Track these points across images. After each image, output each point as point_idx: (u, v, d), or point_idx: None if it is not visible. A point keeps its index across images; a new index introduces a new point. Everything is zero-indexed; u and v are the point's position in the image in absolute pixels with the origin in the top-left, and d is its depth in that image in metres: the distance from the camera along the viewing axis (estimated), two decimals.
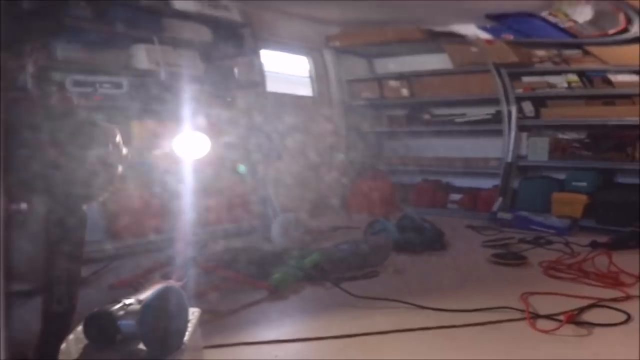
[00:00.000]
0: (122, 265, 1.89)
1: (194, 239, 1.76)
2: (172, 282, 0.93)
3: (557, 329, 1.40)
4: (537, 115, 3.26)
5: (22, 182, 0.84)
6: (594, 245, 2.38)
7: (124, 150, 0.96)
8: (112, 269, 1.93)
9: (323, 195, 3.32)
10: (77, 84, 1.87)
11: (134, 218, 1.85)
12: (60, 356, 0.82)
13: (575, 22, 2.79)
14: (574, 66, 3.09)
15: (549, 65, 3.18)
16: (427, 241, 2.45)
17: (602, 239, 2.45)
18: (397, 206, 3.43)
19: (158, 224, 1.90)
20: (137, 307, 0.89)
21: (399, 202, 3.54)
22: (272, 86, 3.23)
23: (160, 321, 0.86)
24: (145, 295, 0.91)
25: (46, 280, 0.85)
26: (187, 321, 0.95)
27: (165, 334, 0.87)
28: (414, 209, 3.20)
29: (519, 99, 3.26)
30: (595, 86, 3.04)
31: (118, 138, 0.95)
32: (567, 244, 2.48)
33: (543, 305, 1.56)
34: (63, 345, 0.84)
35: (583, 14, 2.72)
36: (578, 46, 3.04)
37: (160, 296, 0.88)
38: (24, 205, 0.86)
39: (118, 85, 1.98)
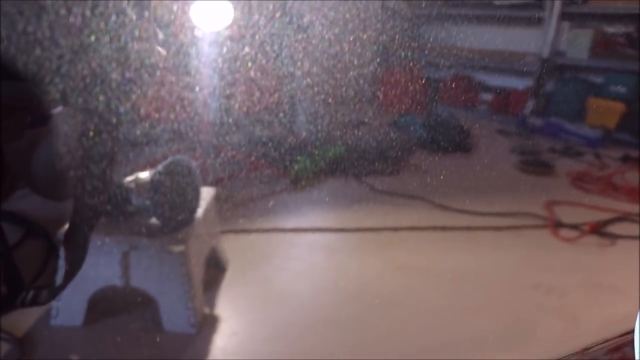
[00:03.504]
0: (144, 151, 1.88)
1: (216, 125, 1.72)
2: (184, 156, 0.91)
3: (580, 237, 1.38)
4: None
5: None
6: (625, 159, 2.30)
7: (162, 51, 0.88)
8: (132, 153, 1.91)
9: (352, 85, 3.20)
10: None
11: (155, 102, 1.80)
12: None
13: None
14: None
15: None
16: (453, 141, 2.39)
17: (635, 153, 2.37)
18: (426, 102, 3.31)
19: (179, 108, 1.85)
20: (148, 179, 0.87)
21: (427, 98, 3.42)
22: None
23: (168, 193, 0.84)
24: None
25: (78, 177, 0.83)
26: (198, 195, 0.93)
27: (174, 207, 0.86)
28: (443, 106, 3.08)
29: None
30: None
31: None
32: (597, 155, 2.40)
33: (567, 215, 1.53)
34: None
35: None
36: None
37: (169, 167, 0.85)
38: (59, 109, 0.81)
39: None
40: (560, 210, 1.58)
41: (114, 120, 0.85)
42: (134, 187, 0.90)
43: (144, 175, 0.92)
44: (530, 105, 3.23)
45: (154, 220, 0.90)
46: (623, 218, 1.54)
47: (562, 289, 1.14)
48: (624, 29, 2.85)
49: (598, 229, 1.43)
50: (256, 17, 1.98)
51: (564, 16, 2.98)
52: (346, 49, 2.95)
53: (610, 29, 2.87)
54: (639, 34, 2.76)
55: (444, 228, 1.41)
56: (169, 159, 0.90)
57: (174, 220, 0.89)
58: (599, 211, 1.58)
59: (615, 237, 1.41)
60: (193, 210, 0.94)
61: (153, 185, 0.87)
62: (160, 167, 0.88)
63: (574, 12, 2.93)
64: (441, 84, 3.62)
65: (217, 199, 1.10)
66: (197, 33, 1.52)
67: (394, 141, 2.08)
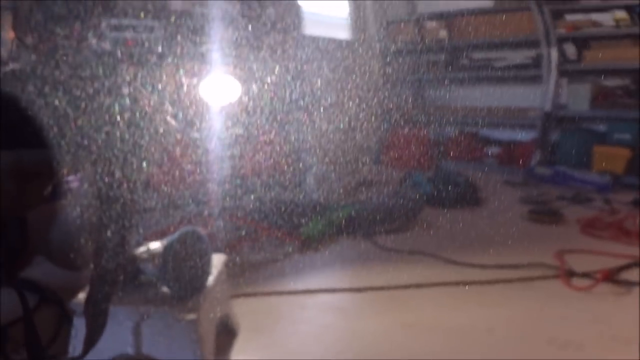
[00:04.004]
0: (154, 218, 1.93)
1: (225, 190, 1.78)
2: (196, 227, 0.95)
3: (593, 286, 1.36)
4: (580, 58, 3.05)
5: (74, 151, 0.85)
6: (636, 203, 2.29)
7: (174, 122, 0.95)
8: (145, 221, 1.97)
9: (358, 146, 3.28)
10: (112, 28, 1.87)
11: (165, 169, 1.87)
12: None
13: None
14: (623, 1, 2.75)
15: (594, 2, 2.90)
16: (461, 196, 2.41)
17: None
18: (432, 159, 3.36)
19: (189, 174, 1.92)
20: (159, 249, 0.91)
21: (434, 155, 3.48)
22: (309, 29, 3.13)
23: (180, 262, 0.88)
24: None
25: (96, 246, 0.87)
26: (209, 264, 0.97)
27: (185, 276, 0.89)
28: (449, 162, 3.13)
29: (561, 40, 3.03)
30: None
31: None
32: (607, 201, 2.39)
33: (579, 263, 1.52)
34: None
35: None
36: None
37: (180, 238, 0.89)
38: (73, 178, 0.87)
39: (150, 29, 1.96)
40: (572, 258, 1.57)
41: (129, 189, 0.90)
42: (146, 258, 0.94)
43: (156, 245, 0.96)
44: (536, 155, 3.26)
45: (165, 289, 0.93)
46: (637, 264, 1.53)
47: (577, 342, 1.11)
48: (621, 81, 2.93)
49: (611, 277, 1.42)
50: (263, 89, 2.08)
51: (562, 73, 3.09)
52: (353, 112, 3.06)
53: (607, 83, 2.96)
54: (635, 85, 2.83)
55: (453, 283, 1.41)
56: (180, 230, 0.94)
57: (185, 290, 0.92)
58: (611, 257, 1.56)
59: (630, 284, 1.39)
60: (204, 278, 0.97)
61: (165, 256, 0.90)
62: (171, 238, 0.92)
63: (570, 69, 3.03)
64: (447, 141, 3.69)
65: (227, 265, 1.13)
66: (206, 107, 1.61)
67: (402, 199, 2.11)
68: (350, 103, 3.21)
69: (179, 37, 2.00)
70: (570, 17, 2.98)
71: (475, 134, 3.62)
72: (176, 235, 0.92)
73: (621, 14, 2.78)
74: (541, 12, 2.99)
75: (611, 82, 2.97)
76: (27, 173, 0.73)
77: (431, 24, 3.63)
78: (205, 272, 0.97)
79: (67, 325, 0.90)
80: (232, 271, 1.23)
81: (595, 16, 2.91)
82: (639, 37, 2.77)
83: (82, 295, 0.91)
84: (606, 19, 2.85)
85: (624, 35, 2.83)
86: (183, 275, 0.91)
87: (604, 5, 2.83)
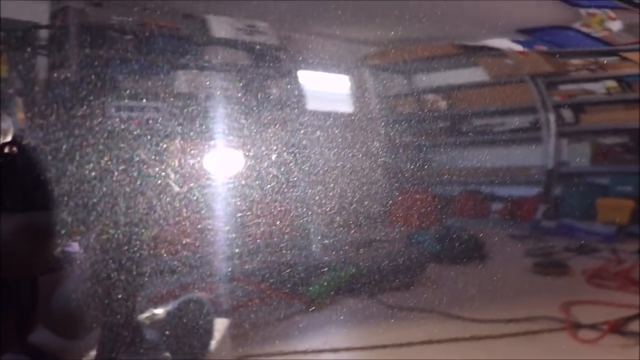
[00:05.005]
0: (158, 282, 1.96)
1: (230, 254, 1.81)
2: (198, 294, 0.99)
3: (600, 338, 1.35)
4: (577, 121, 3.19)
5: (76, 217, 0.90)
6: None
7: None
8: (148, 285, 2.00)
9: (363, 208, 3.31)
10: (118, 109, 1.98)
11: (170, 235, 1.92)
12: None
13: (609, 30, 2.73)
14: (612, 72, 3.01)
15: (585, 74, 3.11)
16: (466, 252, 2.41)
17: None
18: (437, 218, 3.38)
19: (194, 241, 1.97)
20: (162, 316, 0.94)
21: (439, 214, 3.50)
22: (311, 105, 3.27)
23: (182, 329, 0.90)
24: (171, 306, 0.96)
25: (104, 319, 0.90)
26: (212, 331, 0.99)
27: (187, 342, 0.91)
28: (455, 220, 3.15)
29: (557, 107, 3.20)
30: (635, 90, 2.94)
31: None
32: (613, 251, 2.38)
33: (586, 315, 1.51)
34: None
35: (616, 23, 2.67)
36: (614, 53, 2.97)
37: (182, 305, 0.93)
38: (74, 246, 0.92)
39: (156, 110, 2.08)
40: (579, 310, 1.56)
41: (133, 254, 0.94)
42: (149, 324, 0.96)
43: (158, 311, 0.99)
44: (541, 209, 3.27)
45: (167, 355, 0.96)
46: None
47: None
48: (619, 139, 3.04)
49: (618, 328, 1.41)
50: (266, 160, 2.16)
51: (561, 134, 3.20)
52: (358, 177, 3.13)
53: (606, 141, 3.06)
54: (633, 142, 2.93)
55: (459, 339, 1.40)
56: (183, 297, 0.98)
57: (187, 355, 0.94)
58: (618, 308, 1.55)
59: (638, 335, 1.38)
60: (206, 344, 1.00)
61: (168, 322, 0.93)
62: (174, 304, 0.96)
63: (569, 131, 3.15)
64: (452, 200, 3.72)
65: (231, 328, 1.15)
66: (210, 177, 1.68)
67: (407, 257, 2.12)
68: (356, 169, 3.29)
69: (183, 117, 2.11)
70: (563, 87, 3.16)
71: (479, 192, 3.65)
72: (178, 301, 0.95)
73: (611, 83, 2.96)
74: (536, 84, 3.16)
75: (609, 141, 3.08)
76: (38, 234, 0.78)
77: (430, 96, 3.78)
78: (208, 338, 0.99)
79: None
80: (236, 334, 1.25)
81: (588, 86, 3.10)
82: (630, 102, 2.92)
83: None
84: (598, 87, 3.03)
85: (616, 100, 2.99)
86: (185, 342, 0.94)
87: (595, 76, 3.01)
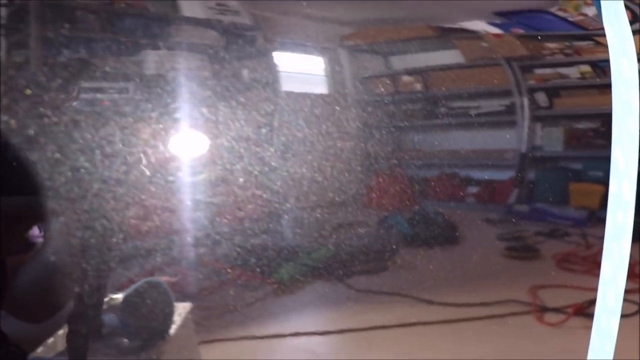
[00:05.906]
0: (123, 268, 1.92)
1: (199, 238, 1.78)
2: (158, 278, 0.97)
3: (564, 321, 1.37)
4: (551, 105, 3.23)
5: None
6: None
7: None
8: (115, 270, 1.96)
9: (337, 190, 3.30)
10: (85, 90, 1.92)
11: (137, 219, 1.88)
12: (47, 349, 0.85)
13: (584, 15, 2.76)
14: (586, 57, 3.05)
15: (560, 58, 3.15)
16: (439, 235, 2.42)
17: None
18: (412, 200, 3.40)
19: (162, 225, 1.93)
20: (119, 301, 0.92)
21: (414, 196, 3.51)
22: (285, 86, 3.23)
23: (139, 313, 0.88)
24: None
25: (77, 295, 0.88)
26: (171, 315, 0.97)
27: (145, 327, 0.89)
28: (429, 202, 3.16)
29: (531, 90, 3.23)
30: (608, 76, 2.99)
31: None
32: (584, 235, 2.42)
33: (553, 298, 1.53)
34: (51, 340, 0.87)
35: (592, 9, 2.69)
36: (589, 38, 3.00)
37: (139, 289, 0.91)
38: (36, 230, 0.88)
39: (123, 90, 2.02)
40: (546, 294, 1.58)
41: (99, 238, 0.91)
42: (106, 308, 0.94)
43: (117, 297, 0.97)
44: (514, 194, 3.31)
45: (125, 341, 0.93)
46: None
47: None
48: (591, 124, 3.08)
49: (582, 311, 1.43)
50: (237, 141, 2.12)
51: (535, 119, 3.22)
52: (332, 158, 3.11)
53: (579, 126, 3.10)
54: (604, 128, 2.97)
55: (428, 323, 1.41)
56: (140, 281, 0.96)
57: (145, 340, 0.92)
58: (584, 291, 1.58)
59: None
60: (165, 329, 0.98)
61: (125, 306, 0.91)
62: (131, 289, 0.93)
63: (542, 115, 3.17)
64: (427, 182, 3.74)
65: (194, 312, 1.13)
66: (178, 158, 1.64)
67: (380, 240, 2.12)
68: (330, 151, 3.27)
69: (152, 98, 2.06)
70: (538, 71, 3.18)
71: (454, 174, 3.67)
72: (135, 286, 0.93)
73: (585, 68, 2.99)
74: (511, 67, 3.17)
75: (582, 125, 3.12)
76: (9, 218, 0.75)
77: (406, 78, 3.77)
78: (167, 322, 0.97)
79: None
80: (201, 318, 1.22)
81: (562, 70, 3.12)
82: (603, 88, 2.95)
83: (41, 349, 0.91)
84: (572, 72, 3.06)
85: (590, 85, 3.02)
86: (143, 326, 0.92)
87: (570, 60, 3.04)
